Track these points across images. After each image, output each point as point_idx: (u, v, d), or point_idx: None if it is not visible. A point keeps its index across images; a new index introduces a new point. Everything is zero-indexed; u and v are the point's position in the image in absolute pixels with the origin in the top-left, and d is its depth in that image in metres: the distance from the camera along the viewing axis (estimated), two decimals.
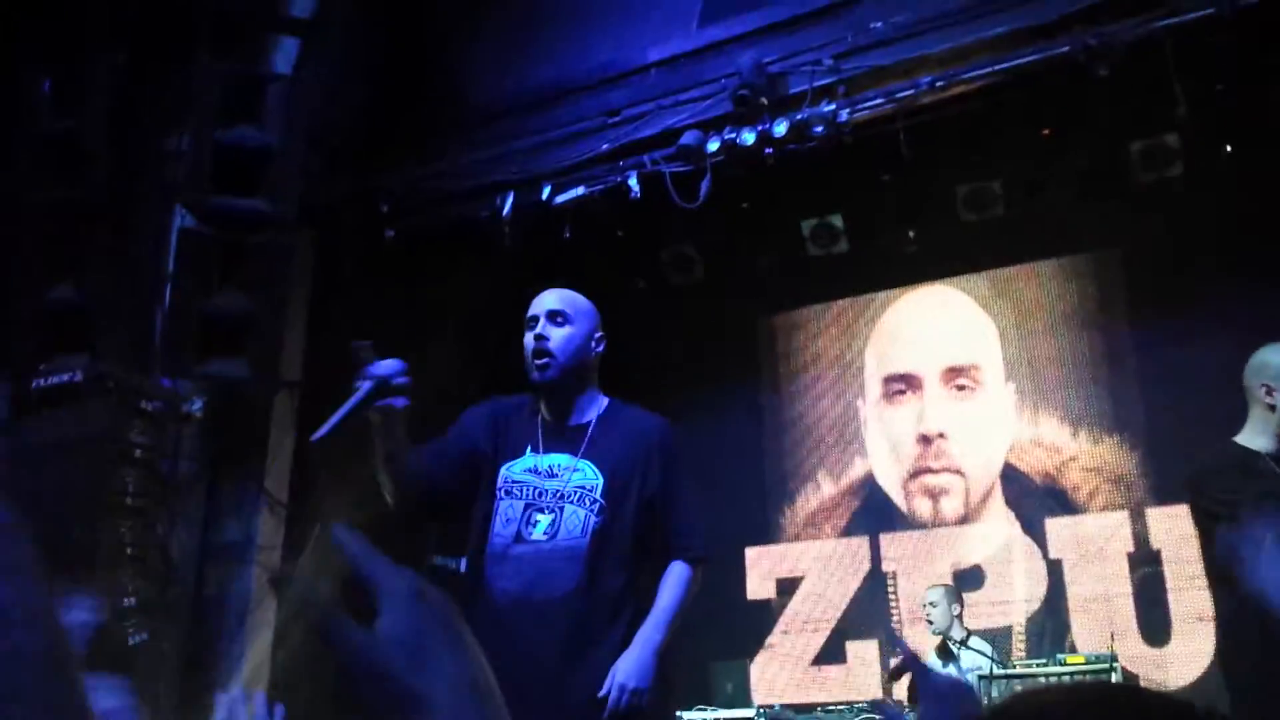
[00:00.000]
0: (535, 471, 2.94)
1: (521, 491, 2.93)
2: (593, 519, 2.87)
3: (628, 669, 2.78)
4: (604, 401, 3.06)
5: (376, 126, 6.13)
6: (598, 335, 3.06)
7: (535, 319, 3.01)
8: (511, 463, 2.97)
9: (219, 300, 4.71)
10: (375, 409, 2.67)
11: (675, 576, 2.91)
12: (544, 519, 2.89)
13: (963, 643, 5.77)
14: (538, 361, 2.95)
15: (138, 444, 4.80)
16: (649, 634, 2.83)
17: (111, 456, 4.69)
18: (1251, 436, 3.37)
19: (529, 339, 2.99)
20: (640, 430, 3.00)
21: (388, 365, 2.67)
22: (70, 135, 4.68)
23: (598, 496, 2.89)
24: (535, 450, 2.96)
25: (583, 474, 2.92)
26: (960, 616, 5.88)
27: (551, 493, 2.91)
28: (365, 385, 2.62)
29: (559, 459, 2.95)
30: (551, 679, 2.75)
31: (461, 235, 6.35)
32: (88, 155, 4.69)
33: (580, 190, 5.84)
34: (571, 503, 2.90)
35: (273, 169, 4.69)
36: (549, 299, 3.04)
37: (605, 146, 5.84)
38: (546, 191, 5.85)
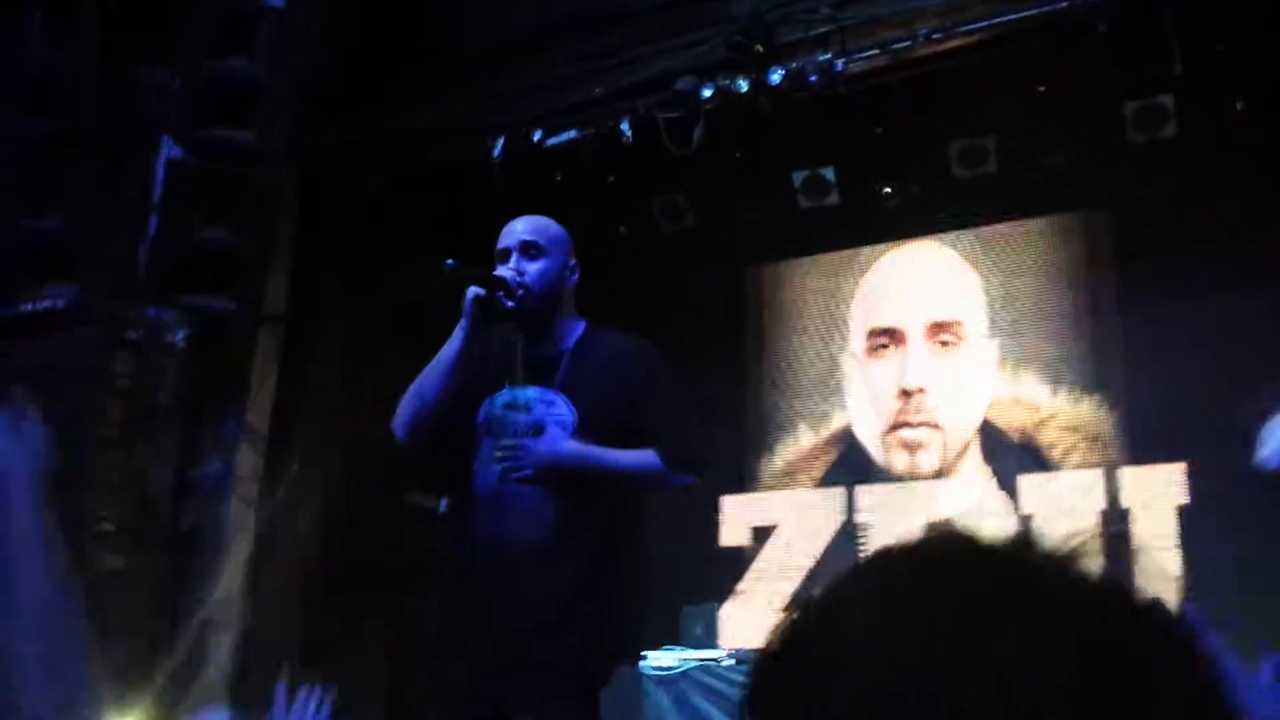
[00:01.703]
0: (513, 406, 2.83)
1: (501, 428, 2.84)
2: None
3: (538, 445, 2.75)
4: (580, 327, 2.93)
5: (367, 66, 6.03)
6: (572, 264, 2.93)
7: (507, 251, 2.87)
8: (493, 397, 2.88)
9: (205, 232, 4.67)
10: (484, 298, 2.75)
11: (645, 451, 2.78)
12: None
13: None
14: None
15: (121, 374, 4.76)
16: (579, 446, 2.75)
17: (95, 386, 4.67)
18: None
19: (503, 272, 2.84)
20: (619, 360, 2.87)
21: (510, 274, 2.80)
22: (60, 69, 4.60)
23: (572, 434, 2.78)
24: (513, 383, 2.85)
25: (558, 408, 2.80)
26: None
27: (528, 429, 2.81)
28: (500, 271, 2.81)
29: (535, 393, 2.83)
30: (526, 622, 2.67)
31: (450, 178, 6.29)
32: (76, 87, 4.61)
33: (572, 134, 5.78)
34: None
35: (262, 104, 4.63)
36: (519, 228, 2.90)
37: (598, 90, 5.77)
38: (538, 135, 5.79)
